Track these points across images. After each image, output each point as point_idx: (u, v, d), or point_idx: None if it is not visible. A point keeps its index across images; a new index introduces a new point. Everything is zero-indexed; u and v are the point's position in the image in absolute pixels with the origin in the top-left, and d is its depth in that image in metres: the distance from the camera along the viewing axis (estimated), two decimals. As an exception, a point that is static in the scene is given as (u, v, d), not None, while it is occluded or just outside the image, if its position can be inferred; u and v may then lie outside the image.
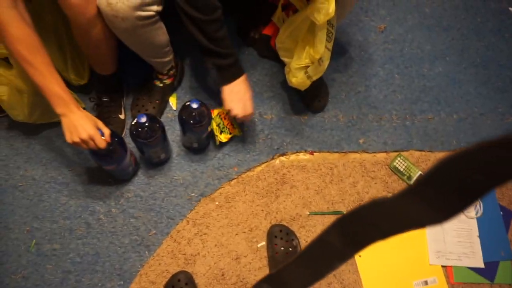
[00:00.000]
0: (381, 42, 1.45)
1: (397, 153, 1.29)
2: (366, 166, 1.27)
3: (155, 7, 0.90)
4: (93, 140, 0.87)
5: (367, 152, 1.29)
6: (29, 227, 1.10)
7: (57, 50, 1.10)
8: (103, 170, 1.14)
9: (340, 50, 1.41)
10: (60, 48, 1.11)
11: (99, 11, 0.88)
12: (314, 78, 1.10)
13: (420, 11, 1.54)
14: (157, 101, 1.18)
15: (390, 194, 0.39)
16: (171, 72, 1.18)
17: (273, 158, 1.24)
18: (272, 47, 1.31)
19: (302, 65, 1.07)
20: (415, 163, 1.29)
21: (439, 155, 1.33)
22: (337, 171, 1.25)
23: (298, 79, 1.10)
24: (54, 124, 1.19)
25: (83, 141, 0.86)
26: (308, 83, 1.11)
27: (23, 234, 1.09)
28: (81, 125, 0.85)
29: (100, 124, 0.90)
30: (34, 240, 1.08)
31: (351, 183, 1.24)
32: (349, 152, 1.29)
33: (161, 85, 1.18)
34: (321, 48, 1.00)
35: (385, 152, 1.30)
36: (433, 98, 1.39)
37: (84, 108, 1.21)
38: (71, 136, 0.86)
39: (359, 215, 0.41)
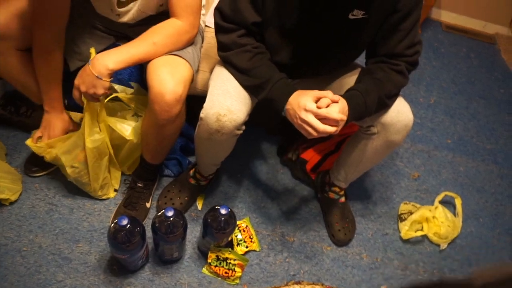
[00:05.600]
0: (413, 189, 1.46)
1: (421, 311, 1.17)
2: (385, 318, 1.15)
3: (244, 127, 0.95)
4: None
5: (389, 303, 1.18)
6: (14, 299, 1.02)
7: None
8: (111, 254, 1.10)
9: (372, 188, 1.42)
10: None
11: (182, 111, 0.93)
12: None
13: (454, 168, 1.57)
14: (186, 198, 1.18)
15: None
16: (211, 176, 1.21)
17: (287, 284, 1.15)
18: (307, 171, 1.34)
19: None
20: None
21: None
22: (353, 316, 1.13)
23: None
24: (80, 196, 1.20)
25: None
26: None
27: (5, 306, 1.00)
28: (53, 127, 1.07)
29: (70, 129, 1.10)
30: (13, 316, 0.99)
31: (366, 335, 1.11)
32: (369, 297, 1.18)
33: (196, 184, 1.20)
34: None
35: (408, 307, 1.18)
36: (464, 258, 1.31)
37: (115, 190, 1.23)
38: (43, 130, 1.08)
39: None
